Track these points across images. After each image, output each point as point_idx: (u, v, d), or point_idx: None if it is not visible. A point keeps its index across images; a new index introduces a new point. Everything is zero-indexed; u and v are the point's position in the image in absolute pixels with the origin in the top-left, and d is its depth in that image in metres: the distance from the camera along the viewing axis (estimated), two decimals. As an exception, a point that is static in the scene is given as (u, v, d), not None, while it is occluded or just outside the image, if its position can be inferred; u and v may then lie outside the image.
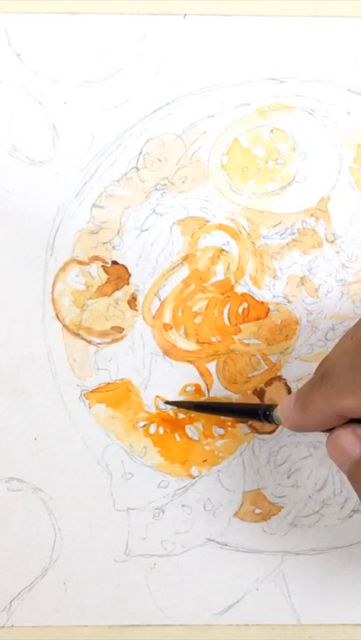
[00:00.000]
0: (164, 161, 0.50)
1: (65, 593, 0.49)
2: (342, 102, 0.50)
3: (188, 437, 0.49)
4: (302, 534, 0.49)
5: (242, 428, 0.50)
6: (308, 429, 0.41)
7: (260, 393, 0.50)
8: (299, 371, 0.50)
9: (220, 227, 0.50)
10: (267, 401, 0.49)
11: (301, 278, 0.50)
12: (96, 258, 0.50)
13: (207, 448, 0.49)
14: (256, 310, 0.50)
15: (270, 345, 0.50)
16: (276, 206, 0.50)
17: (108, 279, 0.50)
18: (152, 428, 0.49)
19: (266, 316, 0.50)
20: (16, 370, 0.49)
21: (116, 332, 0.50)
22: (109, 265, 0.50)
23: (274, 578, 0.49)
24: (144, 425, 0.49)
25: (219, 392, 0.50)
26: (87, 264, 0.50)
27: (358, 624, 0.50)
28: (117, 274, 0.50)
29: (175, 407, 0.49)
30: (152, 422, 0.50)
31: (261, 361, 0.50)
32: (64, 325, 0.50)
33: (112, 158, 0.50)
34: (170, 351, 0.50)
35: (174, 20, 0.50)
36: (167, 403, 0.49)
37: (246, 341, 0.50)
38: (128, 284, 0.50)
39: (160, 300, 0.50)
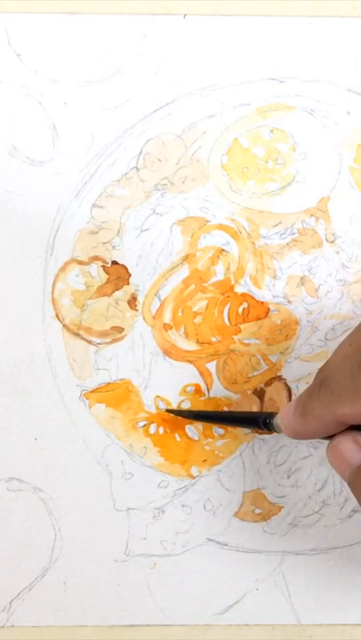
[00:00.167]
0: (164, 161, 0.50)
1: (65, 593, 0.49)
2: (342, 102, 0.50)
3: (188, 437, 0.50)
4: (302, 534, 0.49)
5: (242, 428, 0.50)
6: (309, 437, 0.41)
7: (260, 393, 0.50)
8: (299, 371, 0.50)
9: (220, 227, 0.50)
10: (267, 401, 0.49)
11: (301, 278, 0.50)
12: (96, 258, 0.50)
13: (207, 448, 0.49)
14: (256, 310, 0.50)
15: (270, 345, 0.50)
16: (276, 206, 0.50)
17: (108, 279, 0.50)
18: (152, 428, 0.49)
19: (266, 316, 0.50)
20: (16, 370, 0.49)
21: (116, 332, 0.50)
22: (109, 265, 0.50)
23: (274, 578, 0.49)
24: (144, 425, 0.49)
25: (219, 392, 0.50)
26: (87, 264, 0.50)
27: (358, 624, 0.50)
28: (117, 274, 0.50)
29: (176, 415, 0.49)
30: (152, 422, 0.50)
31: (261, 361, 0.50)
32: (64, 325, 0.50)
33: (112, 158, 0.50)
34: (170, 351, 0.50)
35: (174, 19, 0.50)
36: (168, 411, 0.49)
37: (246, 341, 0.50)
38: (128, 283, 0.50)
39: (160, 300, 0.50)
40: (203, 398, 0.50)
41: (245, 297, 0.50)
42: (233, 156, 0.50)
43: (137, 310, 0.50)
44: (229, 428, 0.49)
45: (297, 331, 0.50)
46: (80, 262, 0.50)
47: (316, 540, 0.50)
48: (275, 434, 0.49)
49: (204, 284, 0.50)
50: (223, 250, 0.50)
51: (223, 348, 0.50)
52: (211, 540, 0.49)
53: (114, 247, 0.50)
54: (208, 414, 0.49)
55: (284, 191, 0.50)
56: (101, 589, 0.49)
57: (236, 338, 0.50)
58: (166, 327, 0.50)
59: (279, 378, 0.50)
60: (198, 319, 0.50)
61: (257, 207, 0.50)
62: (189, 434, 0.50)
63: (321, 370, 0.41)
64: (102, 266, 0.50)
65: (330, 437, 0.41)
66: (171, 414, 0.49)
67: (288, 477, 0.50)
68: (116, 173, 0.50)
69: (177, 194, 0.50)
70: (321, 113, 0.50)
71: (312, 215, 0.50)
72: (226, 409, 0.50)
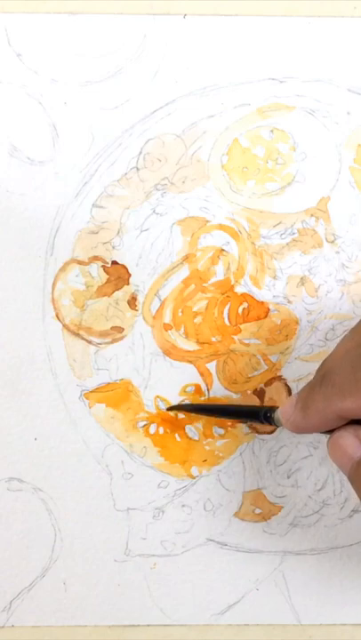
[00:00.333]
0: (164, 161, 0.50)
1: (65, 593, 0.49)
2: (342, 102, 0.50)
3: (188, 437, 0.49)
4: (302, 534, 0.49)
5: (242, 428, 0.50)
6: (310, 431, 0.41)
7: (260, 393, 0.50)
8: (299, 371, 0.50)
9: (220, 227, 0.50)
10: (267, 401, 0.49)
11: (301, 278, 0.50)
12: (96, 258, 0.50)
13: (207, 448, 0.49)
14: (256, 310, 0.50)
15: (270, 345, 0.50)
16: (276, 206, 0.50)
17: (108, 279, 0.50)
18: (152, 428, 0.49)
19: (266, 316, 0.50)
20: (16, 370, 0.49)
21: (116, 332, 0.50)
22: (109, 265, 0.50)
23: (274, 578, 0.49)
24: (144, 425, 0.49)
25: (219, 392, 0.50)
26: (87, 264, 0.50)
27: (358, 624, 0.50)
28: (117, 274, 0.50)
29: (178, 411, 0.49)
30: (152, 422, 0.50)
31: (261, 361, 0.50)
32: (64, 325, 0.50)
33: (112, 158, 0.50)
34: (170, 351, 0.50)
35: (174, 19, 0.50)
36: (169, 409, 0.49)
37: (246, 341, 0.50)
38: (128, 284, 0.50)
39: (160, 300, 0.50)
40: (203, 398, 0.50)
41: (245, 297, 0.50)
42: (233, 155, 0.50)
43: (137, 310, 0.50)
44: (229, 428, 0.49)
45: (297, 331, 0.50)
46: (80, 262, 0.50)
47: (316, 540, 0.50)
48: (275, 435, 0.49)
49: (204, 284, 0.50)
50: (223, 250, 0.50)
51: (223, 347, 0.50)
52: (211, 540, 0.49)
53: (114, 247, 0.50)
54: (209, 407, 0.49)
55: (284, 191, 0.50)
56: (101, 589, 0.49)
57: (236, 338, 0.50)
58: (166, 327, 0.50)
59: (279, 378, 0.50)
60: (198, 319, 0.50)
61: (257, 207, 0.50)
62: (189, 434, 0.50)
63: (323, 364, 0.41)
64: (102, 266, 0.50)
65: (330, 432, 0.41)
66: (172, 413, 0.49)
67: (288, 477, 0.50)
68: (116, 173, 0.50)
69: (177, 194, 0.50)
70: (321, 113, 0.50)
71: (312, 215, 0.50)
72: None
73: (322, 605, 0.49)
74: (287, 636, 0.49)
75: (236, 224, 0.50)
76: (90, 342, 0.50)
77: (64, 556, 0.49)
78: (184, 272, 0.50)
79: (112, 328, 0.50)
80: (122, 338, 0.50)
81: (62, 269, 0.50)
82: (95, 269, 0.50)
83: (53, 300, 0.50)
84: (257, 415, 0.46)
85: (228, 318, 0.50)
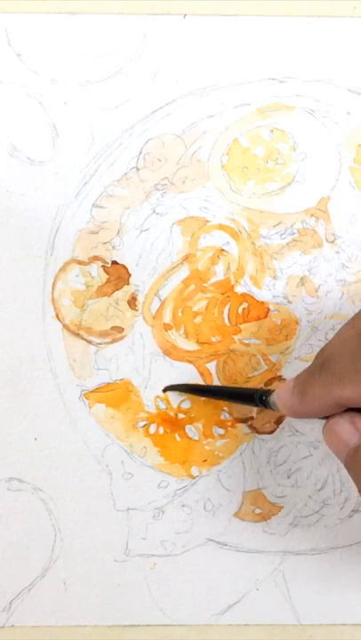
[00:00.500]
0: (164, 161, 0.50)
1: (65, 593, 0.49)
2: (342, 102, 0.50)
3: (188, 437, 0.50)
4: (302, 534, 0.49)
5: (242, 427, 0.50)
6: (305, 416, 0.41)
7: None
8: (299, 371, 0.49)
9: (220, 227, 0.50)
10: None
11: (301, 278, 0.50)
12: (96, 258, 0.50)
13: (207, 448, 0.49)
14: (256, 310, 0.50)
15: (270, 345, 0.50)
16: (276, 206, 0.50)
17: (108, 279, 0.50)
18: (152, 428, 0.49)
19: (266, 316, 0.50)
20: (16, 370, 0.49)
21: (116, 332, 0.50)
22: (109, 265, 0.50)
23: (274, 578, 0.49)
24: (144, 425, 0.49)
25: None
26: (87, 264, 0.50)
27: (358, 624, 0.50)
28: (117, 274, 0.50)
29: (172, 391, 0.49)
30: (152, 422, 0.50)
31: (261, 361, 0.50)
32: (64, 325, 0.50)
33: (112, 158, 0.50)
34: (170, 351, 0.50)
35: (174, 19, 0.50)
36: (165, 389, 0.49)
37: (246, 341, 0.50)
38: (128, 284, 0.50)
39: (160, 300, 0.50)
40: (203, 398, 0.50)
41: (245, 297, 0.50)
42: (233, 155, 0.50)
43: (137, 310, 0.50)
44: (229, 428, 0.49)
45: (297, 331, 0.50)
46: (80, 262, 0.50)
47: (316, 540, 0.50)
48: (275, 435, 0.49)
49: (204, 284, 0.50)
50: (223, 250, 0.50)
51: (223, 347, 0.50)
52: (211, 540, 0.49)
53: (114, 247, 0.50)
54: (205, 388, 0.49)
55: (284, 191, 0.50)
56: (101, 589, 0.49)
57: (236, 338, 0.50)
58: (166, 327, 0.50)
59: (279, 378, 0.50)
60: (198, 319, 0.50)
61: (257, 207, 0.50)
62: (189, 434, 0.50)
63: (322, 351, 0.41)
64: (102, 266, 0.50)
65: (326, 418, 0.41)
66: (172, 413, 0.49)
67: (288, 477, 0.50)
68: (116, 173, 0.50)
69: (177, 194, 0.50)
70: (321, 113, 0.50)
71: (312, 215, 0.50)
72: (226, 408, 0.50)
73: (322, 605, 0.49)
74: (287, 636, 0.49)
75: (236, 224, 0.50)
76: (90, 342, 0.50)
77: (64, 556, 0.49)
78: (184, 272, 0.50)
79: (112, 328, 0.50)
80: (122, 338, 0.50)
81: (62, 269, 0.50)
82: (95, 269, 0.50)
83: (53, 300, 0.50)
84: (252, 397, 0.45)
85: (228, 318, 0.50)
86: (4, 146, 0.50)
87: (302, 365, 0.50)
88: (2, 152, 0.50)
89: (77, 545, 0.49)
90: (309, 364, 0.41)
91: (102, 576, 0.49)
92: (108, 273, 0.50)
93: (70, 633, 0.49)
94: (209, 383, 0.49)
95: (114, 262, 0.50)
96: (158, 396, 0.49)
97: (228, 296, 0.50)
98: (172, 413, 0.49)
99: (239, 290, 0.50)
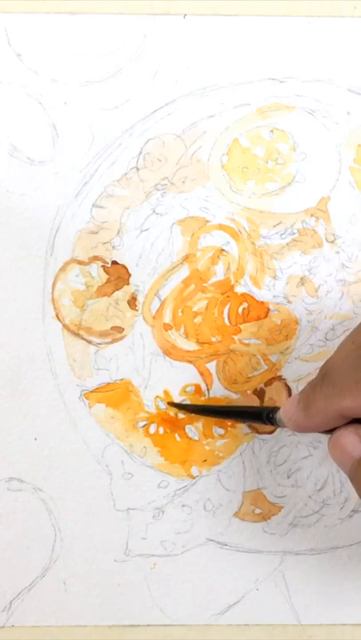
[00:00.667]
0: (164, 161, 0.50)
1: (65, 593, 0.49)
2: (342, 102, 0.50)
3: (188, 437, 0.49)
4: (302, 534, 0.49)
5: (242, 428, 0.50)
6: (311, 430, 0.42)
7: (260, 393, 0.50)
8: (299, 371, 0.50)
9: (220, 227, 0.50)
10: (267, 401, 0.49)
11: (301, 278, 0.50)
12: (96, 258, 0.50)
13: (207, 448, 0.49)
14: (256, 310, 0.50)
15: (270, 345, 0.50)
16: (276, 206, 0.50)
17: (108, 279, 0.50)
18: (152, 428, 0.49)
19: (266, 316, 0.50)
20: (16, 370, 0.49)
21: (116, 332, 0.50)
22: (109, 265, 0.50)
23: (274, 578, 0.49)
24: (144, 425, 0.49)
25: (219, 392, 0.50)
26: (87, 264, 0.50)
27: (358, 624, 0.50)
28: (117, 274, 0.50)
29: (178, 409, 0.49)
30: (152, 422, 0.50)
31: (261, 361, 0.50)
32: (64, 325, 0.50)
33: (112, 158, 0.50)
34: (170, 351, 0.50)
35: (174, 19, 0.50)
36: (170, 404, 0.49)
37: (246, 341, 0.50)
38: (128, 284, 0.50)
39: (160, 300, 0.50)
40: (203, 398, 0.50)
41: (245, 297, 0.50)
42: (233, 155, 0.50)
43: (137, 310, 0.50)
44: (229, 428, 0.49)
45: (297, 331, 0.50)
46: (80, 262, 0.50)
47: (316, 540, 0.50)
48: (275, 435, 0.49)
49: (204, 284, 0.50)
50: (223, 250, 0.50)
51: (223, 347, 0.50)
52: (211, 540, 0.49)
53: (114, 247, 0.50)
54: (211, 408, 0.49)
55: (284, 191, 0.50)
56: (101, 589, 0.49)
57: (236, 338, 0.50)
58: (166, 327, 0.50)
59: (279, 378, 0.50)
60: (198, 319, 0.50)
61: (257, 207, 0.50)
62: (189, 434, 0.50)
63: (324, 365, 0.41)
64: (102, 266, 0.50)
65: (332, 431, 0.41)
66: (172, 413, 0.49)
67: (288, 477, 0.50)
68: (116, 173, 0.50)
69: (177, 194, 0.50)
70: (321, 113, 0.50)
71: (312, 215, 0.50)
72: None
73: (322, 605, 0.49)
74: (287, 636, 0.49)
75: (236, 224, 0.50)
76: (90, 342, 0.50)
77: (64, 556, 0.49)
78: (184, 272, 0.50)
79: (112, 328, 0.50)
80: (122, 338, 0.50)
81: (62, 269, 0.50)
82: (95, 269, 0.50)
83: (53, 300, 0.50)
84: (259, 416, 0.46)
85: (228, 318, 0.50)
86: (4, 146, 0.50)
87: (302, 365, 0.50)
88: (2, 152, 0.50)
89: (77, 545, 0.49)
90: (310, 363, 0.42)
91: (102, 576, 0.49)
92: (108, 273, 0.50)
93: (70, 633, 0.49)
94: (209, 383, 0.49)
95: (114, 262, 0.50)
96: (158, 396, 0.49)
97: (228, 296, 0.50)
98: (172, 413, 0.49)
99: (239, 290, 0.50)
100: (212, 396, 0.50)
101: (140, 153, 0.50)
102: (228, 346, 0.50)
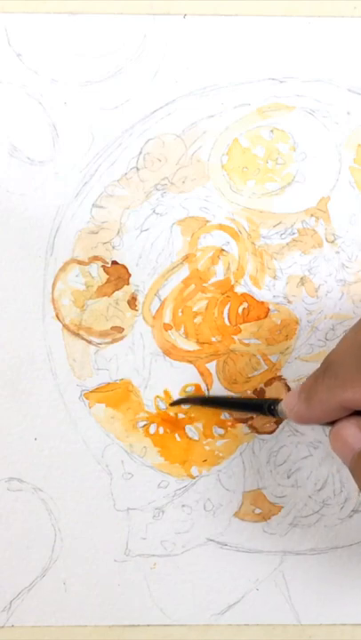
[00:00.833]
0: (164, 161, 0.50)
1: (65, 593, 0.49)
2: (342, 102, 0.50)
3: (188, 437, 0.49)
4: (302, 534, 0.49)
5: (242, 427, 0.50)
6: (313, 422, 0.42)
7: (260, 393, 0.50)
8: (299, 371, 0.50)
9: (220, 227, 0.50)
10: (267, 401, 0.49)
11: (301, 278, 0.50)
12: (96, 258, 0.50)
13: (207, 448, 0.49)
14: (256, 310, 0.50)
15: (270, 345, 0.50)
16: (276, 206, 0.50)
17: (108, 279, 0.50)
18: (152, 428, 0.49)
19: (266, 316, 0.50)
20: (16, 370, 0.49)
21: (116, 332, 0.50)
22: (109, 265, 0.50)
23: (274, 578, 0.49)
24: (144, 425, 0.49)
25: (219, 392, 0.50)
26: (87, 264, 0.50)
27: (358, 624, 0.50)
28: (117, 274, 0.50)
29: (181, 405, 0.49)
30: (152, 422, 0.50)
31: (261, 361, 0.50)
32: (64, 325, 0.50)
33: (112, 158, 0.50)
34: (170, 351, 0.50)
35: (174, 19, 0.50)
36: (172, 404, 0.49)
37: (246, 341, 0.50)
38: (128, 284, 0.50)
39: (160, 299, 0.50)
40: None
41: (245, 297, 0.50)
42: (233, 155, 0.50)
43: (137, 310, 0.50)
44: (229, 428, 0.49)
45: (297, 331, 0.50)
46: (80, 262, 0.50)
47: (316, 540, 0.50)
48: (275, 435, 0.49)
49: (204, 284, 0.50)
50: (223, 250, 0.50)
51: (223, 347, 0.50)
52: (211, 540, 0.49)
53: (114, 247, 0.50)
54: (213, 399, 0.49)
55: (284, 191, 0.50)
56: (101, 589, 0.49)
57: (236, 338, 0.50)
58: (166, 327, 0.50)
59: (279, 378, 0.50)
60: (198, 319, 0.50)
61: (257, 207, 0.50)
62: (189, 434, 0.50)
63: (327, 357, 0.41)
64: (102, 266, 0.50)
65: (333, 423, 0.41)
66: (172, 413, 0.49)
67: (288, 477, 0.50)
68: (116, 173, 0.50)
69: (177, 194, 0.50)
70: (321, 113, 0.50)
71: (312, 215, 0.50)
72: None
73: (322, 605, 0.49)
74: (287, 636, 0.49)
75: (236, 224, 0.50)
76: (90, 342, 0.50)
77: (64, 556, 0.49)
78: (184, 272, 0.50)
79: (112, 328, 0.50)
80: (122, 338, 0.50)
81: (62, 269, 0.50)
82: (95, 269, 0.50)
83: (53, 300, 0.50)
84: (261, 407, 0.46)
85: (228, 318, 0.50)
86: (4, 146, 0.50)
87: (302, 365, 0.50)
88: (2, 152, 0.50)
89: (77, 545, 0.49)
90: (310, 363, 0.42)
91: (102, 576, 0.49)
92: (108, 273, 0.50)
93: (70, 633, 0.49)
94: (209, 383, 0.49)
95: (114, 262, 0.50)
96: (158, 396, 0.49)
97: (228, 296, 0.50)
98: (171, 413, 0.49)
99: (239, 290, 0.50)
100: (212, 395, 0.50)
101: (140, 153, 0.50)
102: (228, 346, 0.50)
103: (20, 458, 0.49)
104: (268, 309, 0.50)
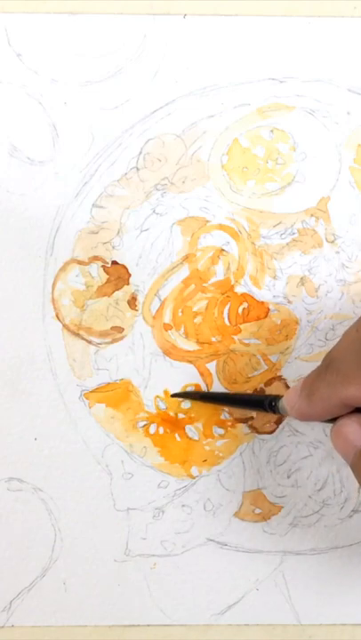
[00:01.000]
0: (164, 161, 0.50)
1: (65, 593, 0.49)
2: (342, 102, 0.50)
3: (188, 437, 0.50)
4: (302, 534, 0.49)
5: (242, 428, 0.50)
6: (314, 418, 0.41)
7: (260, 393, 0.50)
8: (299, 371, 0.50)
9: (220, 227, 0.50)
10: (267, 401, 0.49)
11: (301, 278, 0.50)
12: (96, 258, 0.50)
13: (207, 448, 0.49)
14: (256, 310, 0.50)
15: (270, 345, 0.50)
16: (276, 206, 0.50)
17: (108, 279, 0.50)
18: (152, 428, 0.49)
19: (266, 316, 0.50)
20: (16, 370, 0.49)
21: (116, 332, 0.50)
22: (109, 265, 0.50)
23: (274, 578, 0.49)
24: (144, 425, 0.49)
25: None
26: (87, 264, 0.50)
27: (358, 624, 0.50)
28: (117, 274, 0.50)
29: (182, 399, 0.49)
30: (152, 422, 0.50)
31: (261, 361, 0.50)
32: (64, 325, 0.50)
33: (112, 158, 0.50)
34: (170, 351, 0.50)
35: (174, 19, 0.50)
36: (173, 395, 0.49)
37: (246, 341, 0.50)
38: (128, 284, 0.50)
39: (160, 300, 0.50)
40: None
41: (245, 297, 0.50)
42: (233, 155, 0.50)
43: (137, 310, 0.50)
44: (229, 428, 0.49)
45: (297, 331, 0.50)
46: (80, 262, 0.50)
47: (316, 540, 0.50)
48: (275, 434, 0.49)
49: (204, 284, 0.50)
50: (223, 250, 0.50)
51: (223, 347, 0.50)
52: (211, 540, 0.49)
53: (114, 247, 0.50)
54: (214, 395, 0.49)
55: (284, 191, 0.50)
56: (101, 589, 0.49)
57: (236, 338, 0.50)
58: (166, 327, 0.50)
59: (279, 378, 0.50)
60: (198, 319, 0.50)
61: (257, 207, 0.50)
62: (189, 434, 0.50)
63: (328, 353, 0.41)
64: (102, 266, 0.50)
65: (334, 420, 0.41)
66: (172, 413, 0.49)
67: (288, 477, 0.50)
68: (116, 173, 0.50)
69: (177, 194, 0.50)
70: (321, 113, 0.50)
71: (312, 215, 0.50)
72: (226, 409, 0.50)
73: (322, 605, 0.49)
74: (287, 636, 0.49)
75: (236, 224, 0.50)
76: (90, 342, 0.50)
77: (64, 556, 0.49)
78: (184, 272, 0.50)
79: (112, 328, 0.50)
80: (122, 338, 0.50)
81: (62, 269, 0.50)
82: (95, 269, 0.50)
83: (53, 299, 0.50)
84: (262, 404, 0.46)
85: (228, 318, 0.50)
86: (4, 146, 0.50)
87: (302, 365, 0.50)
88: (2, 152, 0.50)
89: (77, 545, 0.49)
90: (310, 363, 0.42)
91: (102, 576, 0.49)
92: (108, 273, 0.50)
93: (70, 633, 0.49)
94: (209, 383, 0.49)
95: (114, 262, 0.50)
96: (158, 396, 0.49)
97: (228, 296, 0.50)
98: (171, 413, 0.49)
99: (239, 290, 0.50)
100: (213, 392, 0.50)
101: (140, 153, 0.50)
102: (228, 346, 0.50)
103: (20, 458, 0.49)
104: (268, 309, 0.50)
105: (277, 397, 0.45)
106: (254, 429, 0.50)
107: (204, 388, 0.49)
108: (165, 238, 0.50)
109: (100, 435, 0.49)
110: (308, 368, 0.49)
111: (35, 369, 0.49)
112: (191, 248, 0.50)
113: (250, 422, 0.50)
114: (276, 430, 0.50)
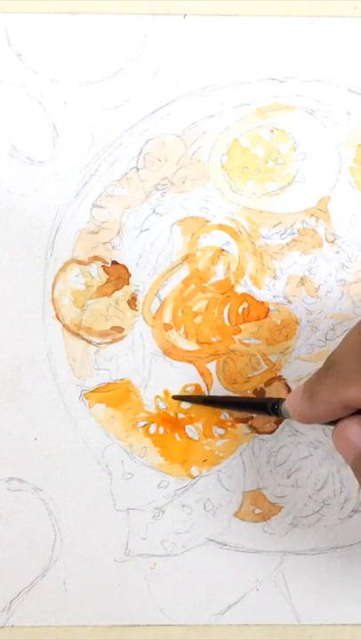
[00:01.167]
0: (164, 161, 0.50)
1: (65, 593, 0.49)
2: (342, 102, 0.50)
3: (188, 437, 0.49)
4: (302, 534, 0.49)
5: (242, 428, 0.50)
6: (316, 420, 0.42)
7: (260, 393, 0.50)
8: (299, 371, 0.50)
9: (220, 227, 0.50)
10: (267, 401, 0.49)
11: (301, 278, 0.50)
12: (96, 258, 0.50)
13: (207, 448, 0.49)
14: (256, 310, 0.50)
15: (270, 345, 0.50)
16: (276, 206, 0.50)
17: (108, 279, 0.50)
18: (152, 428, 0.49)
19: (266, 316, 0.50)
20: (16, 370, 0.49)
21: (116, 332, 0.50)
22: (109, 265, 0.50)
23: (274, 578, 0.49)
24: (144, 425, 0.49)
25: (219, 392, 0.50)
26: (87, 264, 0.50)
27: (358, 624, 0.50)
28: (117, 274, 0.50)
29: (182, 404, 0.49)
30: (152, 422, 0.50)
31: (261, 361, 0.50)
32: (64, 325, 0.50)
33: (112, 158, 0.50)
34: (170, 351, 0.50)
35: (174, 19, 0.50)
36: (175, 397, 0.49)
37: (246, 341, 0.50)
38: (128, 284, 0.50)
39: (160, 300, 0.50)
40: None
41: (245, 297, 0.50)
42: (233, 155, 0.50)
43: (137, 310, 0.50)
44: (229, 428, 0.49)
45: (297, 331, 0.50)
46: (80, 262, 0.50)
47: (316, 540, 0.50)
48: (275, 434, 0.49)
49: (204, 284, 0.50)
50: (223, 250, 0.50)
51: (223, 347, 0.50)
52: (211, 540, 0.49)
53: (114, 247, 0.50)
54: (216, 399, 0.49)
55: (284, 191, 0.50)
56: (101, 589, 0.49)
57: (236, 338, 0.50)
58: (166, 327, 0.50)
59: (279, 378, 0.50)
60: (198, 319, 0.50)
61: (257, 207, 0.50)
62: (189, 434, 0.50)
63: (330, 356, 0.41)
64: (102, 266, 0.50)
65: (336, 422, 0.41)
66: (172, 413, 0.49)
67: (288, 477, 0.50)
68: (116, 173, 0.50)
69: (177, 194, 0.50)
70: (321, 113, 0.50)
71: (312, 215, 0.50)
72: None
73: (322, 605, 0.49)
74: (287, 636, 0.49)
75: (236, 224, 0.50)
76: (90, 342, 0.50)
77: (64, 556, 0.49)
78: (184, 272, 0.50)
79: (112, 328, 0.50)
80: (122, 338, 0.50)
81: (62, 269, 0.50)
82: (95, 269, 0.50)
83: (53, 299, 0.50)
84: (264, 407, 0.46)
85: (228, 318, 0.50)
86: (4, 146, 0.50)
87: (302, 365, 0.50)
88: (2, 152, 0.50)
89: (77, 545, 0.49)
90: (309, 363, 0.42)
91: (102, 576, 0.49)
92: (108, 273, 0.50)
93: (70, 633, 0.49)
94: (209, 383, 0.49)
95: (114, 262, 0.50)
96: (158, 396, 0.49)
97: (228, 296, 0.50)
98: (171, 413, 0.49)
99: (239, 290, 0.50)
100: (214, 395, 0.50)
101: (140, 153, 0.50)
102: (228, 346, 0.50)
103: (20, 458, 0.49)
104: (268, 309, 0.50)
105: (280, 400, 0.45)
106: (254, 429, 0.50)
107: (204, 388, 0.49)
108: (165, 238, 0.50)
109: (100, 435, 0.49)
110: (308, 368, 0.49)
111: (35, 369, 0.49)
112: (191, 248, 0.50)
113: (250, 422, 0.50)
114: (276, 430, 0.50)
